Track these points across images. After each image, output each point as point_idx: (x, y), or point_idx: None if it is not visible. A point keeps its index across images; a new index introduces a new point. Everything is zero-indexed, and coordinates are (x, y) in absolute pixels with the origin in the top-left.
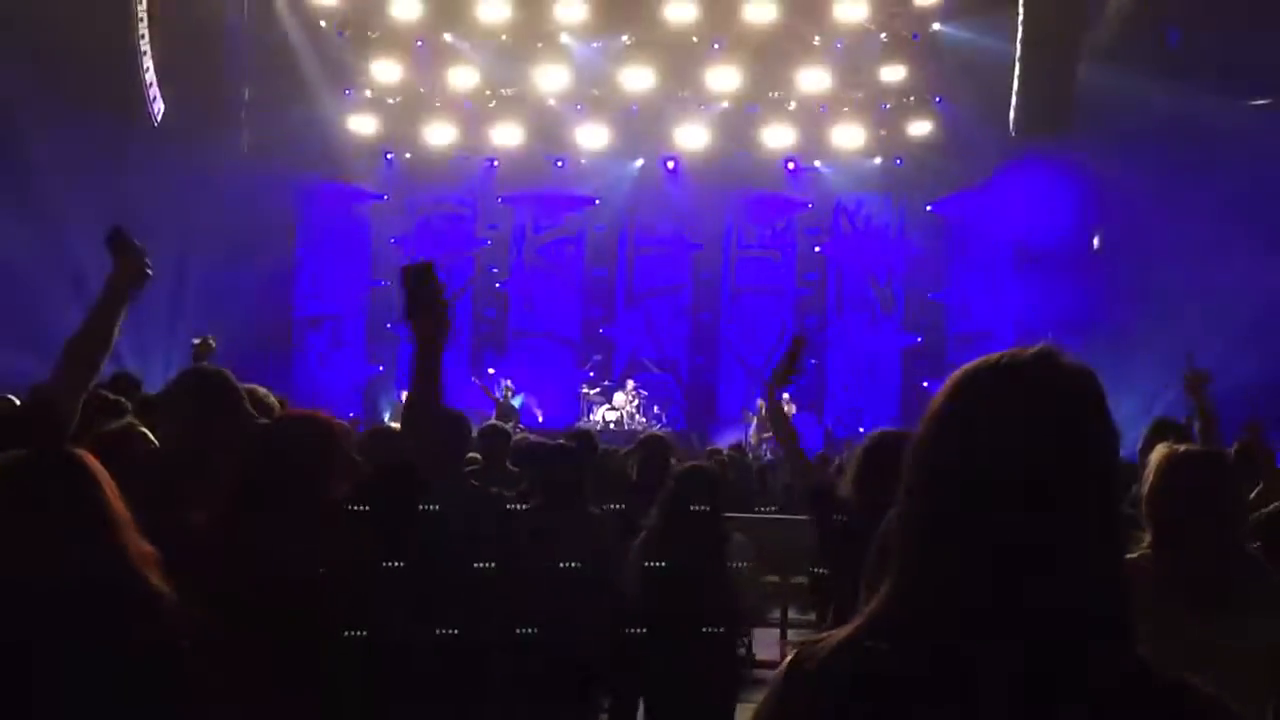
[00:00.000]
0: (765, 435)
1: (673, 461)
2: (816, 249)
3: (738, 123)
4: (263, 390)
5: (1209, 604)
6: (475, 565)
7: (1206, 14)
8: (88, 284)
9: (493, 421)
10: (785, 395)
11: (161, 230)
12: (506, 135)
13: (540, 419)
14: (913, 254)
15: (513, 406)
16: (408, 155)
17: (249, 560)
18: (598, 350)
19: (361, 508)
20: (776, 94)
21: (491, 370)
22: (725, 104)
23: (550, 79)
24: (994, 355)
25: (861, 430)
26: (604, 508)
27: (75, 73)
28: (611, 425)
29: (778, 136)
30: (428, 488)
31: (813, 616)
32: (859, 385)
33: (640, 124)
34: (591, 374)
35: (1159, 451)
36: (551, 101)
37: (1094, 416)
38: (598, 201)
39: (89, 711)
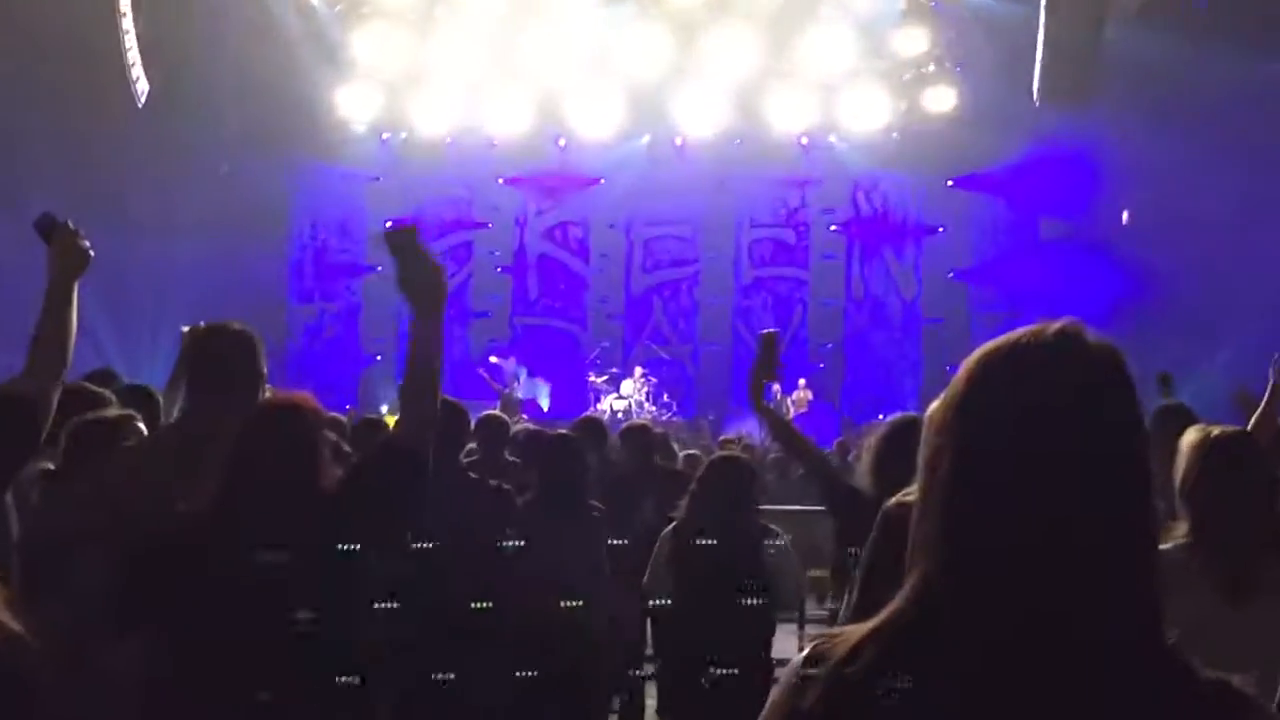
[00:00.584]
0: None
1: (655, 458)
2: (833, 228)
3: (749, 98)
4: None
5: (1244, 592)
6: (465, 590)
7: None
8: None
9: (488, 411)
10: (801, 382)
11: (147, 217)
12: (506, 114)
13: (545, 409)
14: (934, 232)
15: (517, 399)
16: (404, 135)
17: (234, 552)
18: (605, 336)
19: (354, 497)
20: (789, 66)
21: (494, 359)
22: (735, 78)
23: (552, 55)
24: (1016, 333)
25: (881, 417)
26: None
27: (56, 52)
28: (620, 414)
29: (791, 111)
30: (425, 471)
31: (829, 609)
32: (878, 370)
33: (646, 101)
34: (598, 361)
35: (1192, 435)
36: (553, 78)
37: (1120, 397)
38: (602, 182)
39: None
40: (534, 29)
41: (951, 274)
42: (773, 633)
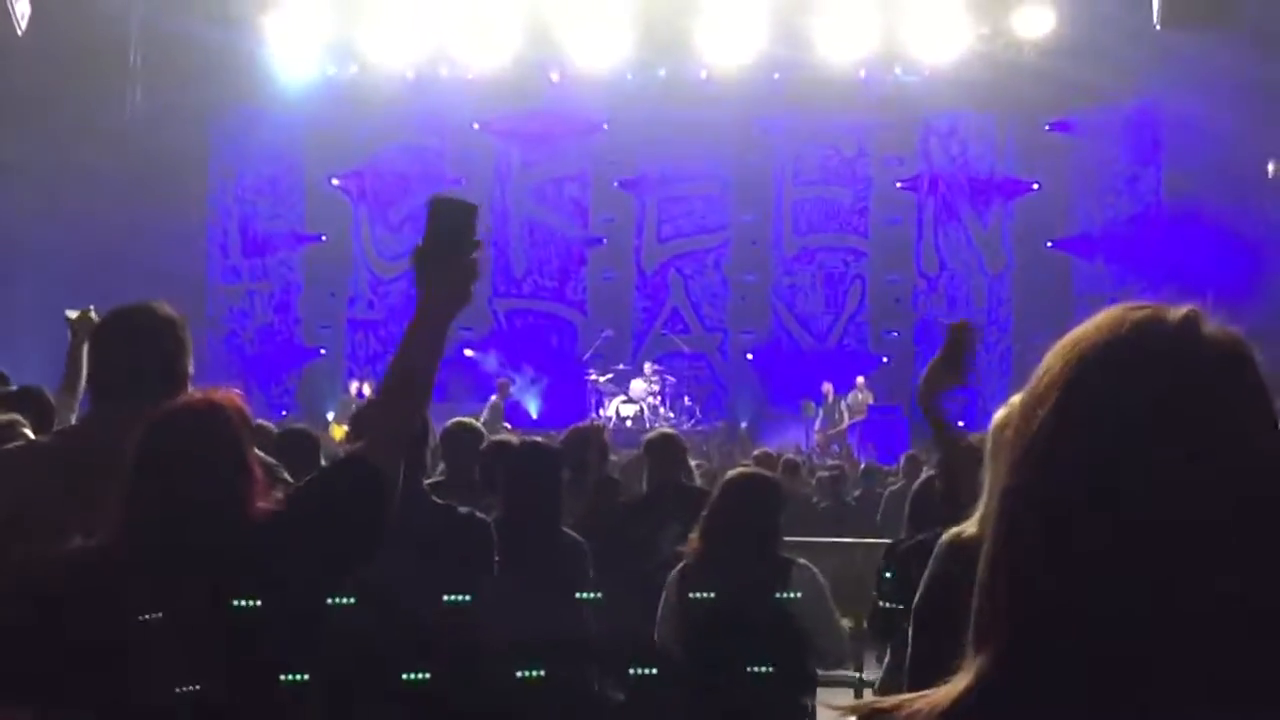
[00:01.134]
0: (833, 433)
1: (692, 465)
2: (898, 184)
3: (790, 19)
4: None
5: None
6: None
7: None
8: None
9: (458, 419)
10: (859, 381)
11: (32, 174)
12: (484, 41)
13: (535, 416)
14: (1027, 190)
15: (499, 408)
16: (353, 70)
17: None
18: (608, 323)
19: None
20: None
21: (470, 352)
22: None
23: None
24: (1119, 313)
25: (961, 424)
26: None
27: None
28: (628, 422)
29: (844, 36)
30: (392, 499)
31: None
32: None
33: (661, 24)
34: (600, 355)
35: None
36: None
37: (1252, 401)
38: (606, 126)
39: None
40: None
41: (1049, 243)
42: (811, 693)
